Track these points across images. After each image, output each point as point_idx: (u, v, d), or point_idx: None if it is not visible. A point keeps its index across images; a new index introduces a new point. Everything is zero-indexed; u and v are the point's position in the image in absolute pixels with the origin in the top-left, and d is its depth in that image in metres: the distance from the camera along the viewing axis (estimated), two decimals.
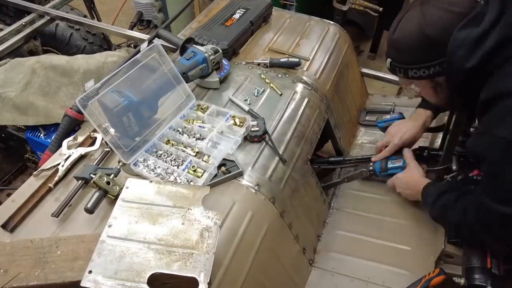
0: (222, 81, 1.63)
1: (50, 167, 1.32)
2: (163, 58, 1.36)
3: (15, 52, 2.17)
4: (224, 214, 1.17)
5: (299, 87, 1.64)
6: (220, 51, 1.59)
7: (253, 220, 1.21)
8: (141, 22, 4.24)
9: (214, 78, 1.59)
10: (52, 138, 1.53)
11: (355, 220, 1.59)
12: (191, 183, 1.22)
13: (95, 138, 1.42)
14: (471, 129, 1.47)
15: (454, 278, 1.30)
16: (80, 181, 1.24)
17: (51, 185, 1.27)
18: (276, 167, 1.36)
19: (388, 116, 1.74)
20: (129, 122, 1.28)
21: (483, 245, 1.27)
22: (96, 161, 1.34)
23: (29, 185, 1.30)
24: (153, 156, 1.32)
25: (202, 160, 1.28)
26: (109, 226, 0.97)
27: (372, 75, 2.17)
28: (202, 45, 1.65)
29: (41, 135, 1.86)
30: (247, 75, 1.67)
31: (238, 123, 1.39)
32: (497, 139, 1.03)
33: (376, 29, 3.54)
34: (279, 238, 1.32)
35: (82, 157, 1.37)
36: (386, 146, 1.63)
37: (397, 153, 1.61)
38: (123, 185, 1.08)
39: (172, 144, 1.36)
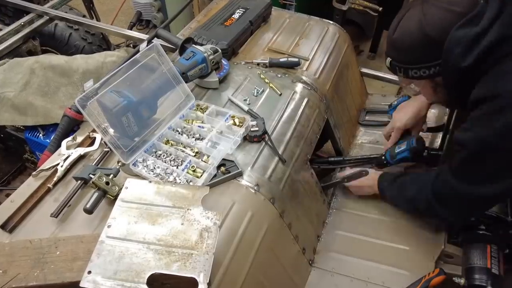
0: (222, 81, 1.62)
1: (49, 168, 1.32)
2: (162, 58, 1.36)
3: (14, 52, 2.17)
4: (223, 214, 1.16)
5: (299, 87, 1.64)
6: (220, 51, 1.58)
7: (253, 220, 1.21)
8: (140, 22, 4.24)
9: (214, 78, 1.59)
10: (51, 138, 1.53)
11: (355, 220, 1.59)
12: (191, 183, 1.22)
13: (94, 138, 1.41)
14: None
15: (454, 278, 1.30)
16: (79, 182, 1.24)
17: (50, 185, 1.27)
18: (275, 167, 1.36)
19: (395, 102, 1.73)
20: (128, 122, 1.28)
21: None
22: (95, 161, 1.34)
23: (28, 185, 1.29)
24: (152, 156, 1.32)
25: (202, 160, 1.28)
26: (108, 226, 0.97)
27: (371, 75, 2.16)
28: (202, 45, 1.64)
29: (40, 135, 1.86)
30: (247, 75, 1.67)
31: (237, 123, 1.38)
32: (479, 138, 1.09)
33: (376, 28, 3.54)
34: (279, 238, 1.31)
35: (81, 157, 1.36)
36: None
37: (404, 137, 1.61)
38: (122, 186, 1.08)
39: (172, 144, 1.36)
